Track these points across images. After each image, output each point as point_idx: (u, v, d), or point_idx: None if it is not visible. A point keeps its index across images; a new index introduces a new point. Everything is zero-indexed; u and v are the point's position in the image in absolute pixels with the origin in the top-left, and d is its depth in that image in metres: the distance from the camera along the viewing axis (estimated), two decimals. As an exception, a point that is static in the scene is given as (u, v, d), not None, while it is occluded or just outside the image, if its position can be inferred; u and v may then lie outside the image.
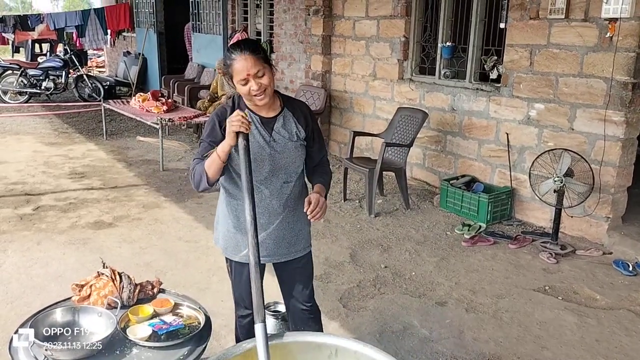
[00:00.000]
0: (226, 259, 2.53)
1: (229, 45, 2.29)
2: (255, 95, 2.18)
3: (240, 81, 2.17)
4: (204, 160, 2.23)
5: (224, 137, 2.17)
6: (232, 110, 2.26)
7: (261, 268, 2.34)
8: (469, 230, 4.95)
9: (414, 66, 6.40)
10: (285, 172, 2.32)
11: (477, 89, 5.62)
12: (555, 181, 4.48)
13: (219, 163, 2.15)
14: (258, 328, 1.78)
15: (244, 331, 2.56)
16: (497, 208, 5.21)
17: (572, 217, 4.84)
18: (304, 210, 2.19)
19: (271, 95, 2.24)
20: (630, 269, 4.21)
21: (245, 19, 9.56)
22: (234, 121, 2.05)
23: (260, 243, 2.10)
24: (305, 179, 2.45)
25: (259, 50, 2.20)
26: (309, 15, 7.49)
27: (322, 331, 2.63)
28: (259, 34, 9.32)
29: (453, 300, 3.77)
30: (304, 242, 2.48)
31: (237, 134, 2.04)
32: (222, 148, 2.12)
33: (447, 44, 5.95)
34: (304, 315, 2.55)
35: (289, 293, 2.56)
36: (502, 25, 5.33)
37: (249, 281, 2.36)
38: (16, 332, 2.13)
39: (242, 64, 2.15)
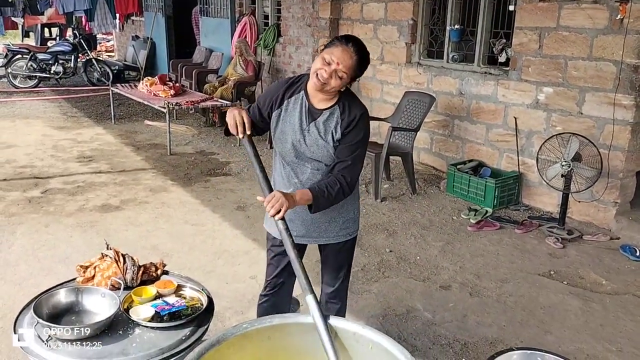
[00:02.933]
0: (267, 236, 2.59)
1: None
2: (316, 78, 2.16)
3: (326, 56, 2.15)
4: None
5: (270, 110, 2.34)
6: (291, 87, 2.33)
7: (300, 248, 2.43)
8: (475, 215, 4.93)
9: (421, 50, 6.34)
10: (312, 162, 2.31)
11: (486, 72, 5.56)
12: (562, 165, 4.44)
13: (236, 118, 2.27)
14: (310, 299, 1.85)
15: (261, 310, 2.62)
16: (504, 193, 5.18)
17: (579, 202, 4.81)
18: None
19: (328, 92, 2.22)
20: (638, 254, 4.18)
21: (253, 2, 9.50)
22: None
23: (288, 221, 2.15)
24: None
25: (364, 63, 2.21)
26: (316, -2, 7.43)
27: None
28: (266, 17, 9.27)
29: (457, 284, 3.77)
30: (337, 229, 2.44)
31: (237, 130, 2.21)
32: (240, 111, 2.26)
33: (456, 26, 5.89)
34: (327, 301, 2.60)
35: (323, 275, 2.62)
36: (511, 8, 5.25)
37: (280, 261, 2.50)
38: (21, 312, 2.17)
39: (344, 54, 2.14)
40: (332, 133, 2.26)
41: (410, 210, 5.12)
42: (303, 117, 2.27)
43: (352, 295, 3.59)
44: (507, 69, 5.34)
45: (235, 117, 2.22)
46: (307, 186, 2.26)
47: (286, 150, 2.33)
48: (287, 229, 2.02)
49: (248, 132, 2.23)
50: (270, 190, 2.11)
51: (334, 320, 1.94)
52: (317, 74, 2.16)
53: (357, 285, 3.71)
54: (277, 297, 2.60)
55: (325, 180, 2.22)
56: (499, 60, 5.50)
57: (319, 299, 2.65)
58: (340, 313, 2.65)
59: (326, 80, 2.15)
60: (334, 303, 2.63)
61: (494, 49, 5.53)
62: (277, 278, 2.55)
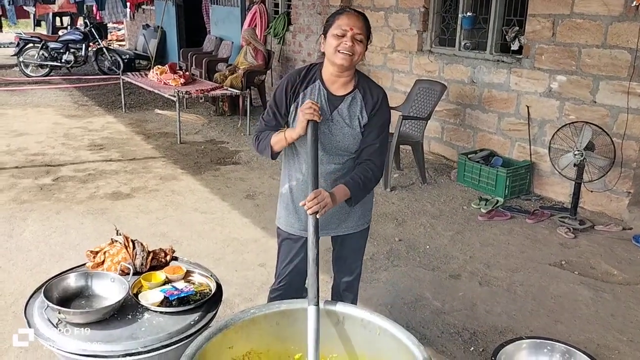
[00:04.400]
0: (278, 232, 2.48)
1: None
2: (341, 51, 2.10)
3: (338, 30, 2.10)
4: (267, 129, 2.27)
5: (287, 107, 2.24)
6: (303, 79, 2.24)
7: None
8: (486, 204, 4.90)
9: (433, 37, 6.27)
10: (335, 153, 2.24)
11: (498, 60, 5.50)
12: (575, 155, 4.39)
13: (285, 145, 2.20)
14: (311, 310, 1.80)
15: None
16: (516, 183, 5.14)
17: (591, 191, 4.76)
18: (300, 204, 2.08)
19: (353, 66, 2.17)
20: (650, 244, 4.14)
21: (264, -9, 9.45)
22: (306, 109, 2.05)
23: (306, 212, 2.13)
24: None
25: (368, 22, 2.19)
26: (327, -14, 7.37)
27: None
28: (277, 5, 9.23)
29: (467, 273, 3.76)
30: (356, 219, 2.41)
31: (308, 122, 2.06)
32: (291, 134, 2.15)
33: (468, 14, 5.81)
34: (343, 290, 2.57)
35: (337, 266, 2.57)
36: (524, -5, 5.18)
37: (295, 259, 2.41)
38: (31, 296, 2.19)
39: (351, 18, 2.12)
40: (359, 118, 2.21)
41: (420, 199, 5.10)
42: (324, 106, 2.20)
43: (361, 284, 3.54)
44: (520, 56, 5.28)
45: (308, 106, 2.07)
46: (330, 182, 2.24)
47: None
48: (317, 227, 1.97)
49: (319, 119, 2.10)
50: (316, 186, 2.03)
51: (341, 307, 1.94)
52: (339, 51, 2.10)
53: (366, 274, 3.70)
54: (290, 291, 2.51)
55: (356, 172, 2.19)
56: (512, 48, 5.42)
57: (331, 288, 2.67)
58: (354, 302, 2.63)
59: (351, 49, 2.09)
60: (350, 293, 2.60)
61: (506, 37, 5.46)
62: (291, 274, 2.46)
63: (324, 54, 2.21)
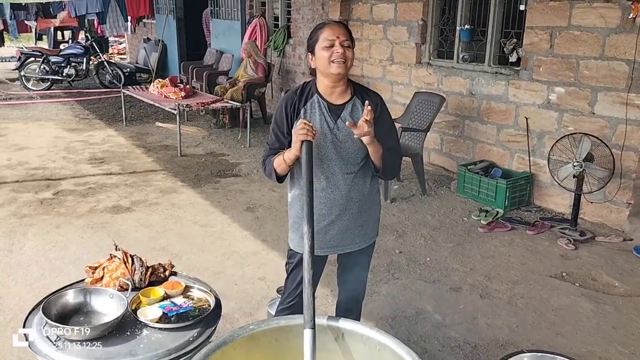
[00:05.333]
0: (288, 252, 2.47)
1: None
2: (335, 61, 2.14)
3: (326, 42, 2.15)
4: (272, 152, 2.30)
5: (289, 126, 2.25)
6: (300, 96, 2.27)
7: (323, 260, 2.43)
8: (486, 216, 4.89)
9: (431, 50, 6.31)
10: (346, 162, 2.25)
11: (496, 72, 5.52)
12: (574, 166, 4.39)
13: (286, 167, 2.22)
14: (307, 334, 1.78)
15: None
16: (516, 194, 5.14)
17: (592, 203, 4.75)
18: (349, 124, 2.11)
19: (348, 71, 2.21)
20: (651, 255, 4.13)
21: (263, 4, 9.52)
22: (299, 130, 2.06)
23: (322, 231, 2.25)
24: (372, 168, 2.30)
25: (350, 31, 2.26)
26: (326, -1, 7.43)
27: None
28: (276, 19, 9.29)
29: (467, 285, 3.75)
30: (369, 232, 2.43)
31: (302, 142, 2.06)
32: (289, 156, 2.17)
33: (466, 26, 5.85)
34: (348, 303, 2.56)
35: (343, 282, 2.55)
36: (522, 7, 5.21)
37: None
38: (30, 313, 2.18)
39: (334, 28, 2.19)
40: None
41: (420, 211, 5.09)
42: (327, 117, 2.24)
43: (361, 296, 3.58)
44: (518, 68, 5.30)
45: (300, 127, 2.07)
46: (346, 191, 2.28)
47: (321, 155, 2.25)
48: (312, 248, 1.94)
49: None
50: (311, 205, 1.97)
51: (342, 322, 1.93)
52: (332, 60, 2.15)
53: (367, 287, 3.65)
54: (298, 310, 2.51)
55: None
56: (510, 60, 5.45)
57: (336, 303, 2.66)
58: (358, 319, 2.60)
59: (343, 55, 2.14)
60: (355, 310, 2.59)
61: (504, 49, 5.49)
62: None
63: (313, 71, 2.27)
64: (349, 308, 2.58)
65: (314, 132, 2.08)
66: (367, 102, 2.14)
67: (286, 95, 2.33)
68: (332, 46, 2.15)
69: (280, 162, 2.22)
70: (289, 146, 2.23)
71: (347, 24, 7.17)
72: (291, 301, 2.46)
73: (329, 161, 2.25)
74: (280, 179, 2.29)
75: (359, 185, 2.31)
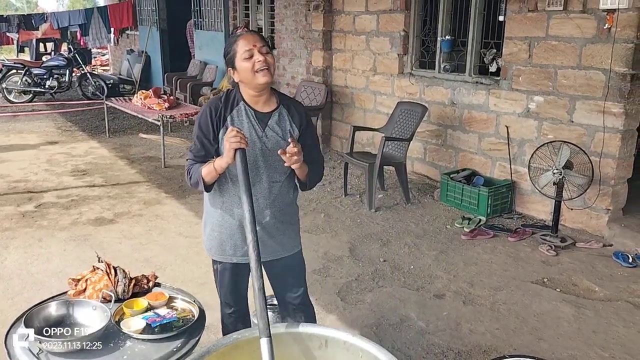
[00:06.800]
0: (213, 260, 2.51)
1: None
2: (258, 71, 2.15)
3: (245, 54, 2.15)
4: (197, 161, 2.26)
5: (215, 133, 2.22)
6: (226, 103, 2.25)
7: (248, 267, 2.37)
8: (469, 223, 4.95)
9: (413, 60, 6.39)
10: (274, 170, 2.27)
11: (477, 82, 5.61)
12: (554, 173, 4.47)
13: (216, 175, 2.19)
14: (263, 342, 1.78)
15: (232, 328, 2.54)
16: (498, 201, 5.20)
17: (572, 209, 4.83)
18: (280, 152, 2.10)
19: (272, 76, 2.20)
20: (630, 260, 4.20)
21: (247, 15, 9.57)
22: (231, 138, 2.04)
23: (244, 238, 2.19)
24: (296, 181, 2.36)
25: (264, 37, 2.27)
26: (309, 10, 7.49)
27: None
28: (260, 30, 9.32)
29: (451, 292, 3.78)
30: (291, 241, 2.45)
31: (236, 150, 2.05)
32: (220, 164, 2.14)
33: (447, 37, 5.94)
34: (297, 312, 2.55)
35: (281, 290, 2.55)
36: (501, 18, 5.31)
37: (233, 281, 2.46)
38: (12, 326, 2.16)
39: (248, 38, 2.18)
40: (290, 132, 2.28)
41: (404, 219, 5.14)
42: (255, 125, 2.24)
43: (345, 305, 3.60)
44: (498, 78, 5.39)
45: (232, 134, 2.06)
46: (271, 200, 2.30)
47: (249, 163, 2.20)
48: (259, 257, 1.95)
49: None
50: (253, 212, 1.98)
51: (324, 330, 1.95)
52: (257, 70, 2.15)
53: (351, 295, 3.71)
54: (243, 309, 2.59)
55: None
56: (490, 70, 5.55)
57: (278, 311, 2.67)
58: (313, 316, 2.62)
59: (265, 62, 2.15)
60: (307, 306, 2.58)
61: (484, 59, 5.59)
62: (236, 294, 2.52)
63: (236, 84, 2.28)
64: (299, 307, 2.55)
65: (246, 139, 2.08)
66: (289, 138, 2.16)
67: (209, 101, 2.32)
68: (251, 56, 2.15)
69: (210, 170, 2.17)
70: (216, 154, 2.24)
71: (330, 35, 7.26)
72: (235, 307, 2.53)
73: (257, 169, 2.25)
74: (208, 187, 2.27)
75: (282, 194, 2.33)
